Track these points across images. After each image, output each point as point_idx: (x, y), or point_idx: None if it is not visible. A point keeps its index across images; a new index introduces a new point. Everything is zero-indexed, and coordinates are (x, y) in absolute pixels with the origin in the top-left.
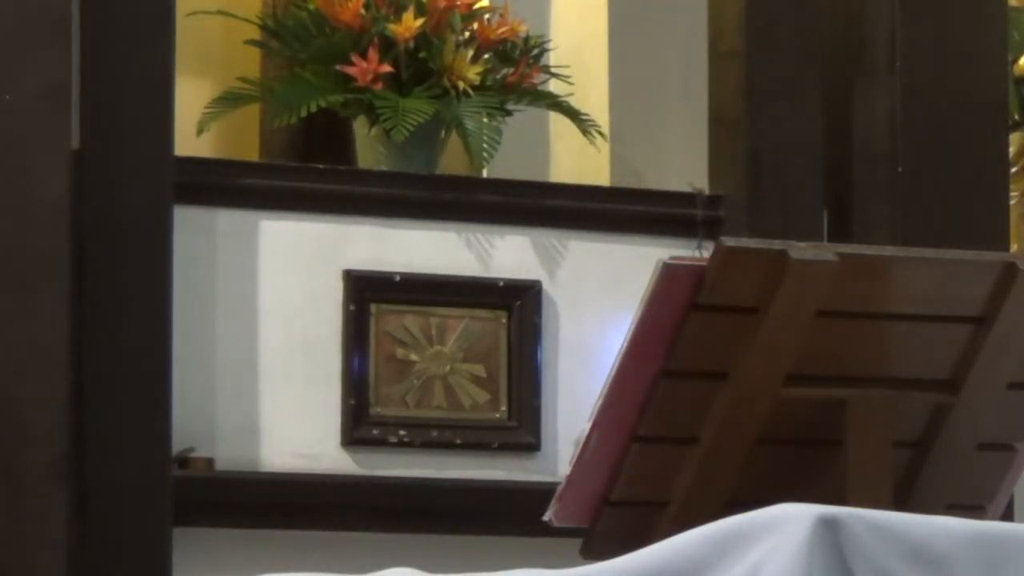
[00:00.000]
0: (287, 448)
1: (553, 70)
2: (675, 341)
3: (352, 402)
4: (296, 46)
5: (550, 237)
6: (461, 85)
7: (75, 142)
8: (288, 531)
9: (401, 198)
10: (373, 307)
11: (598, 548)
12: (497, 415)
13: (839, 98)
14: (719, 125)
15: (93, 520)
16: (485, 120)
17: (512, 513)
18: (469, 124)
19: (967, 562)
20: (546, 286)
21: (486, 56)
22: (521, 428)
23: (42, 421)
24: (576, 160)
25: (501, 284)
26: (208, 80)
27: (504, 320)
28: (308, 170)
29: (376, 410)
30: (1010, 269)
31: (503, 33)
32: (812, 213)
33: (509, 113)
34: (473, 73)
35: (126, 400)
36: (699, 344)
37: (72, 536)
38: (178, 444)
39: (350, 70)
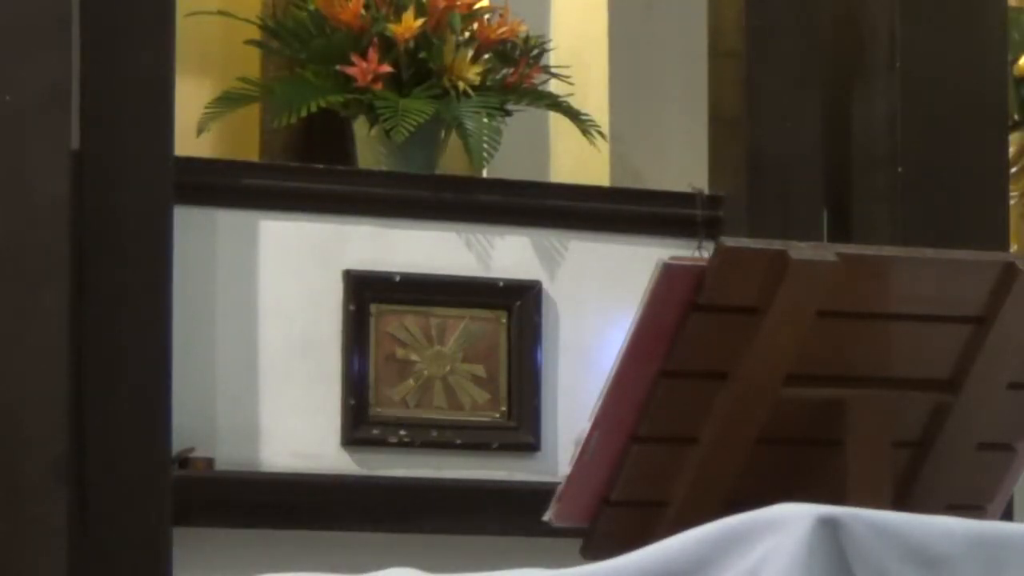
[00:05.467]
0: (287, 448)
1: (553, 70)
2: (675, 341)
3: (352, 402)
4: (296, 46)
5: (550, 237)
6: (461, 85)
7: (75, 142)
8: (288, 531)
9: (401, 198)
10: (373, 307)
11: (598, 548)
12: (497, 415)
13: (839, 98)
14: (719, 125)
15: (93, 520)
16: (485, 120)
17: (512, 513)
18: (469, 124)
19: (967, 562)
20: (546, 286)
21: (486, 56)
22: (521, 428)
23: (42, 421)
24: (576, 160)
25: (501, 284)
26: (208, 80)
27: (504, 320)
28: (308, 170)
29: (376, 410)
30: (1010, 269)
31: (503, 33)
32: (812, 213)
33: (509, 113)
34: (473, 73)
35: (126, 400)
36: (699, 344)
37: (72, 536)
38: (178, 444)
39: (350, 70)
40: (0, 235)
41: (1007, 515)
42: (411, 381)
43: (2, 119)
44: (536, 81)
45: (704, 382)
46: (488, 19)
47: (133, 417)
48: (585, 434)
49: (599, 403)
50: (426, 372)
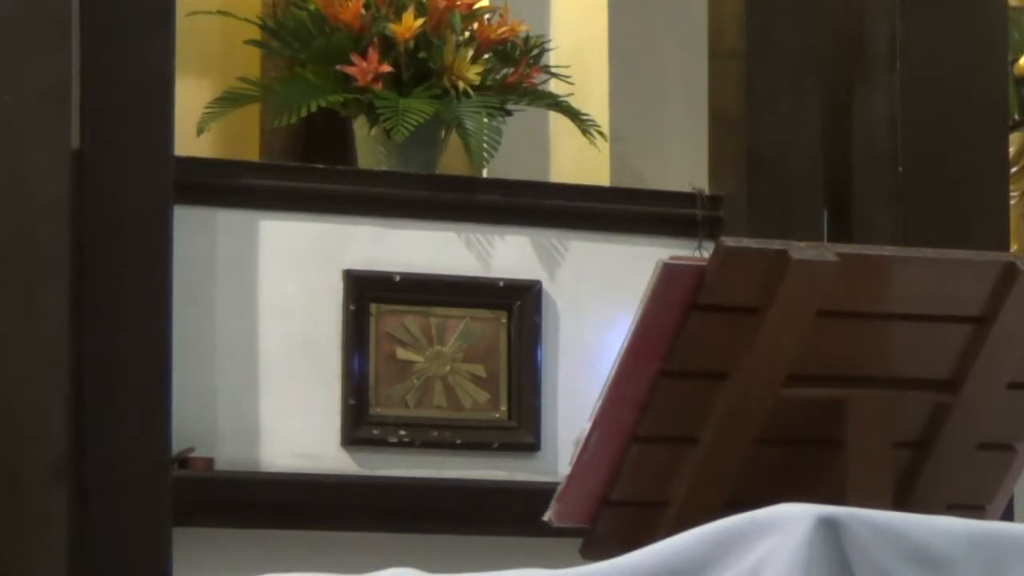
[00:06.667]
0: (287, 448)
1: (553, 70)
2: (675, 341)
3: (352, 402)
4: (296, 46)
5: (550, 237)
6: (461, 85)
7: (75, 142)
8: (288, 531)
9: (401, 198)
10: (373, 307)
11: (598, 548)
12: (497, 415)
13: (839, 98)
14: (719, 125)
15: (93, 520)
16: (485, 120)
17: (512, 513)
18: (469, 124)
19: (967, 562)
20: (546, 286)
21: (486, 56)
22: (521, 428)
23: (42, 421)
24: (576, 160)
25: (501, 284)
26: (208, 80)
27: (504, 320)
28: (308, 170)
29: (376, 410)
30: (1010, 269)
31: (503, 33)
32: (812, 213)
33: (509, 113)
34: (473, 73)
35: (126, 400)
36: (699, 344)
37: (72, 536)
38: (178, 444)
39: (350, 70)
40: (0, 235)
41: (1007, 515)
42: (411, 381)
43: (2, 119)
44: (536, 81)
45: (704, 382)
46: (488, 19)
47: (133, 417)
48: (585, 434)
49: (599, 403)
50: (426, 372)
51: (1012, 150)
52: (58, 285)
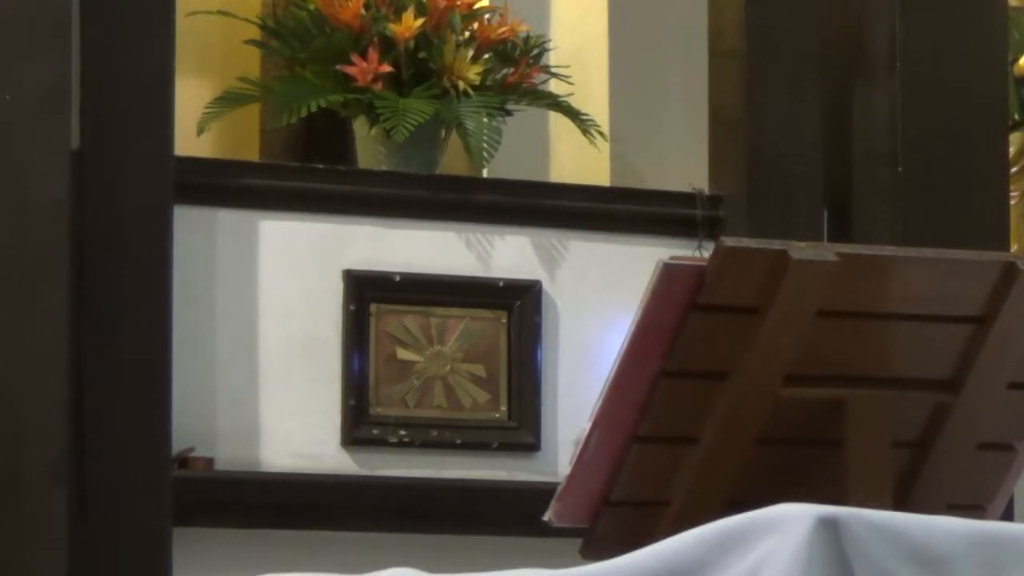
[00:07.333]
0: (287, 448)
1: (553, 70)
2: (675, 341)
3: (352, 402)
4: (296, 46)
5: (550, 237)
6: (461, 85)
7: (75, 142)
8: (288, 531)
9: (401, 198)
10: (373, 307)
11: (598, 548)
12: (497, 415)
13: (839, 98)
14: (719, 125)
15: (93, 520)
16: (485, 120)
17: (512, 513)
18: (469, 124)
19: (967, 562)
20: (546, 286)
21: (486, 56)
22: (521, 428)
23: (42, 421)
24: (576, 160)
25: (501, 284)
26: (208, 80)
27: (504, 320)
28: (308, 170)
29: (376, 410)
30: (1010, 269)
31: (503, 33)
32: (812, 213)
33: (509, 113)
34: (473, 73)
35: (126, 400)
36: (699, 344)
37: (72, 536)
38: (178, 444)
39: (350, 70)
40: (0, 235)
41: (1007, 515)
42: (411, 381)
43: (2, 119)
44: (536, 81)
45: (704, 382)
46: (488, 19)
47: (133, 417)
48: (585, 434)
49: (599, 403)
50: (426, 372)
51: (1012, 150)
52: (58, 285)
